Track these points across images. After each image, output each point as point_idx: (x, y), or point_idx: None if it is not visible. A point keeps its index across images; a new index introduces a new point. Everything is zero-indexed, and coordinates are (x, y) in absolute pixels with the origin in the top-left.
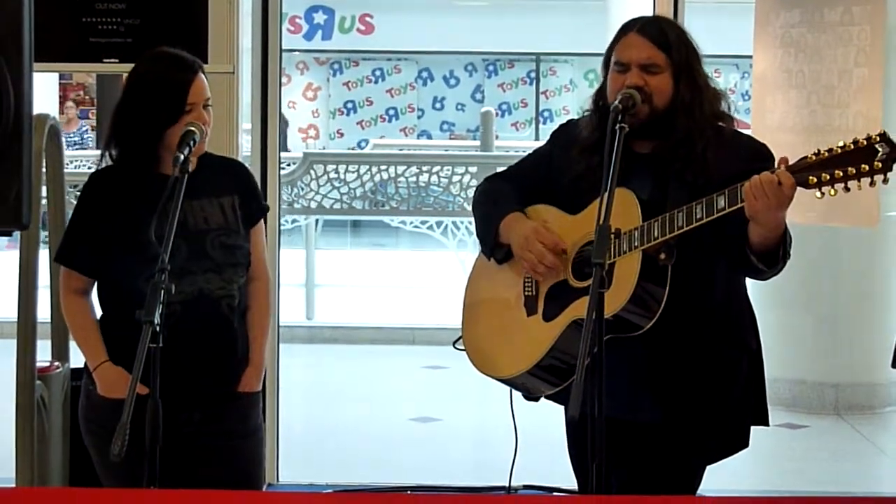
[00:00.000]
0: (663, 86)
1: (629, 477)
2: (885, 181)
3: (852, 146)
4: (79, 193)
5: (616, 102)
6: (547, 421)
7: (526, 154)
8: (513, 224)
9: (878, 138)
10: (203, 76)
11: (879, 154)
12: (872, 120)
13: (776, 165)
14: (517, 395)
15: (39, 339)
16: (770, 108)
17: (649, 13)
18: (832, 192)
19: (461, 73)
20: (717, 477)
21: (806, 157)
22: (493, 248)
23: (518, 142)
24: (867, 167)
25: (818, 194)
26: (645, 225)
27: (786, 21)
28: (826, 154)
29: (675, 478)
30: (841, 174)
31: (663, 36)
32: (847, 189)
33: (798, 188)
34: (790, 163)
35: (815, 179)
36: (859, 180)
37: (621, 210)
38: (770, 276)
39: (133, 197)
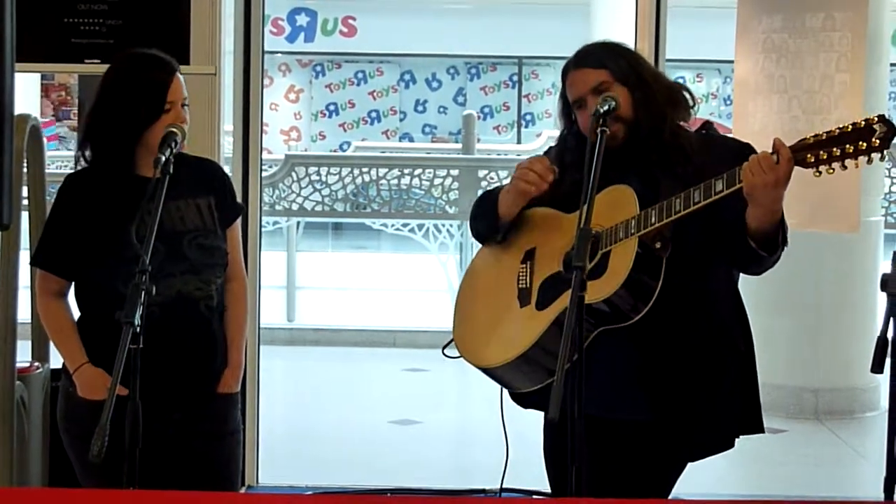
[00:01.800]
0: (621, 98)
1: (610, 476)
2: (882, 158)
3: (850, 127)
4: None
5: (596, 106)
6: (527, 423)
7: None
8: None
9: (875, 119)
10: (180, 76)
11: (877, 132)
12: None
13: (771, 146)
14: (507, 400)
15: (19, 340)
16: (751, 113)
17: (630, 18)
18: (829, 170)
19: (443, 76)
20: (697, 480)
21: (805, 138)
22: (497, 227)
23: (500, 145)
24: (865, 145)
25: (816, 173)
26: (642, 212)
27: (768, 26)
28: (824, 135)
29: (655, 476)
30: (838, 153)
31: (595, 57)
32: (844, 167)
33: (796, 169)
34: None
35: (813, 158)
36: (856, 158)
37: (620, 205)
38: (769, 264)
39: (110, 199)
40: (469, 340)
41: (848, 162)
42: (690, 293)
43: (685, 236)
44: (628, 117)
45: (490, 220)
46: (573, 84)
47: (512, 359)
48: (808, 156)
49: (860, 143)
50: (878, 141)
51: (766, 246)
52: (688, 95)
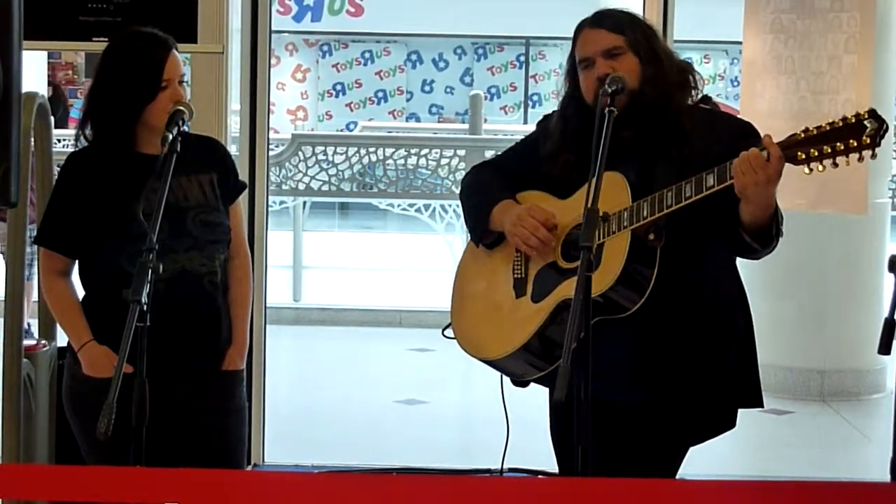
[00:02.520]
0: (630, 66)
1: (613, 457)
2: (874, 156)
3: (841, 122)
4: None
5: (605, 86)
6: (532, 404)
7: (514, 142)
8: (505, 209)
9: (866, 114)
10: (177, 53)
11: (868, 129)
12: (861, 106)
13: (761, 143)
14: (507, 379)
15: (26, 318)
16: (759, 94)
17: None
18: (821, 167)
19: (450, 56)
20: (702, 461)
21: (795, 134)
22: (484, 234)
23: (507, 125)
24: (855, 142)
25: (806, 170)
26: (634, 205)
27: (776, 7)
28: (815, 131)
29: (659, 457)
30: (829, 150)
31: (615, 21)
32: (835, 164)
33: (788, 166)
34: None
35: (804, 155)
36: (847, 155)
37: (611, 192)
38: (764, 254)
39: (113, 177)
40: (467, 331)
41: (839, 159)
42: (688, 279)
43: (681, 223)
44: (634, 89)
45: (479, 228)
46: (586, 42)
47: (511, 352)
48: (799, 153)
49: (850, 140)
50: (868, 139)
51: (760, 238)
52: (694, 78)
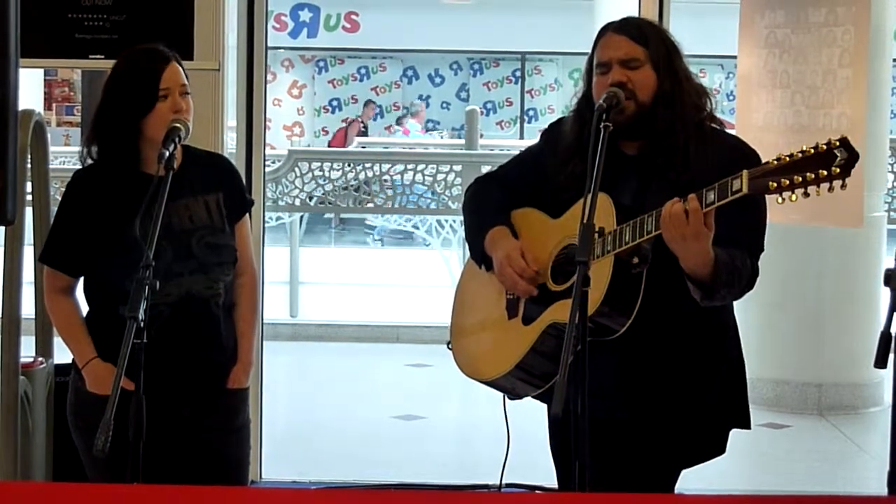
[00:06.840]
0: (646, 79)
1: (606, 474)
2: (843, 186)
3: (812, 151)
4: (63, 191)
5: (601, 101)
6: (530, 419)
7: (518, 153)
8: (494, 241)
9: (837, 143)
10: (178, 66)
11: (837, 159)
12: (856, 120)
13: (685, 198)
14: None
15: (23, 335)
16: (754, 108)
17: (634, 12)
18: (793, 197)
19: (446, 72)
20: (699, 476)
21: (768, 163)
22: (482, 259)
23: (503, 140)
24: (825, 172)
25: (779, 199)
26: (617, 229)
27: (771, 21)
28: (787, 159)
29: (651, 478)
30: (800, 179)
31: (640, 31)
32: (806, 195)
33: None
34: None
35: (775, 185)
36: (818, 185)
37: (598, 214)
38: (714, 304)
39: (117, 196)
40: (462, 350)
41: (810, 189)
42: (676, 302)
43: (667, 248)
44: (645, 101)
45: (477, 252)
46: (607, 46)
47: (503, 374)
48: (770, 183)
49: (820, 170)
50: (837, 169)
51: (702, 288)
52: (711, 103)
